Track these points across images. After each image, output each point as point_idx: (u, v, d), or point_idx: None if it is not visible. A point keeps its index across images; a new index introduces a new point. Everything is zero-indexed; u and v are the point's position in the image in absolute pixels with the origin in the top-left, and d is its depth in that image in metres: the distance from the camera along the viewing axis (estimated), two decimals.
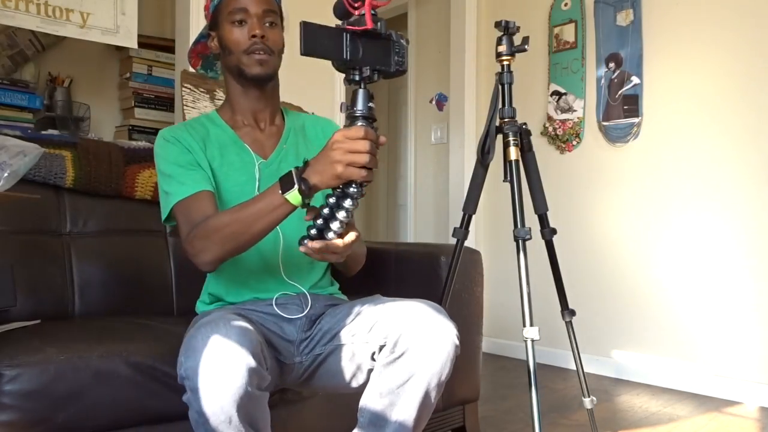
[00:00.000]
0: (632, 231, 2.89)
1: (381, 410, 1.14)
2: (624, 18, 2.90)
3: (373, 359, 1.19)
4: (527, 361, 1.46)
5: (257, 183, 1.35)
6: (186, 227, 1.25)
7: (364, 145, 1.04)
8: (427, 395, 1.13)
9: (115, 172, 1.84)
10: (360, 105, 1.08)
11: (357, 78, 1.08)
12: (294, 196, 1.09)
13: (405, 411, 1.13)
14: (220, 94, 2.68)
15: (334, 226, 1.09)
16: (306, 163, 1.11)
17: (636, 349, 2.86)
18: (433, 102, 3.76)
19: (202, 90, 2.60)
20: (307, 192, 1.08)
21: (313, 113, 1.70)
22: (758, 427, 2.21)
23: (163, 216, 1.31)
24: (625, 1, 2.89)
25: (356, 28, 1.04)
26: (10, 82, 2.98)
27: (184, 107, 2.56)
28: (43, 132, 2.91)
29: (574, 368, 1.76)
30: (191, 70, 2.65)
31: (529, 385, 1.45)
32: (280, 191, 1.10)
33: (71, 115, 3.15)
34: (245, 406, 1.00)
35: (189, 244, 1.22)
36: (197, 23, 2.67)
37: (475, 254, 1.94)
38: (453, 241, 1.70)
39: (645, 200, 2.85)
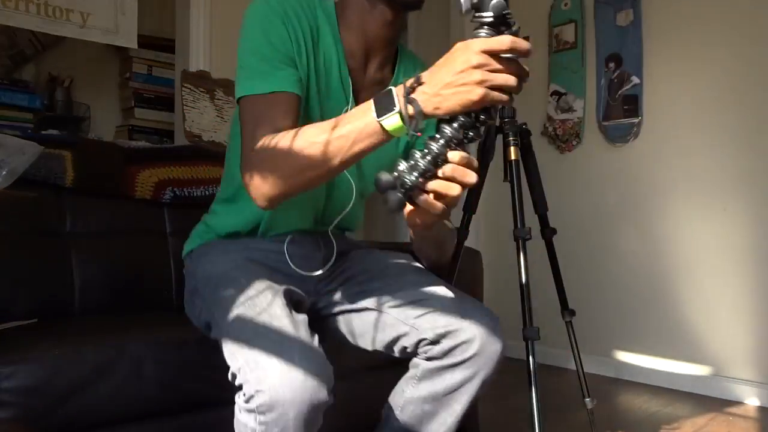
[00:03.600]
0: (632, 231, 2.89)
1: (420, 416, 1.07)
2: (624, 18, 2.90)
3: (417, 347, 1.07)
4: (527, 361, 1.46)
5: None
6: (250, 136, 0.97)
7: (513, 61, 0.82)
8: (471, 402, 1.07)
9: (115, 172, 1.84)
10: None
11: None
12: (393, 122, 0.84)
13: (449, 419, 1.06)
14: (220, 94, 2.68)
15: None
16: (418, 80, 0.85)
17: (636, 349, 2.86)
18: None
19: (202, 90, 2.60)
20: (415, 120, 0.83)
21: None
22: (758, 427, 2.21)
23: (238, 94, 1.03)
24: (625, 1, 2.89)
25: None
26: (10, 82, 2.98)
27: (184, 107, 2.56)
28: (43, 132, 2.91)
29: (574, 368, 1.76)
30: (191, 69, 2.66)
31: (529, 385, 1.45)
32: (374, 114, 0.85)
33: (71, 115, 3.16)
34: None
35: (248, 167, 0.95)
36: (197, 23, 2.67)
37: (475, 254, 1.94)
38: None
39: (644, 200, 2.85)
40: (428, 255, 1.21)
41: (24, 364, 1.11)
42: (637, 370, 2.83)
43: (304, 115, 1.06)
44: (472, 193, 1.68)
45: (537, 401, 1.45)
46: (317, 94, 1.08)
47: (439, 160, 0.84)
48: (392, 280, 1.13)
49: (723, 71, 2.62)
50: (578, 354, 1.75)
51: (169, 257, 1.87)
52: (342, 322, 1.17)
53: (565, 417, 2.26)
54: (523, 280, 1.51)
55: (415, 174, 0.84)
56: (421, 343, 1.06)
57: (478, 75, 0.81)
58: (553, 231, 1.73)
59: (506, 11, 0.85)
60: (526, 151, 1.67)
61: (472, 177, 0.85)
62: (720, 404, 2.47)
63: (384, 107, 0.85)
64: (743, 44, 2.56)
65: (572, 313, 1.75)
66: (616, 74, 2.93)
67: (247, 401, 0.87)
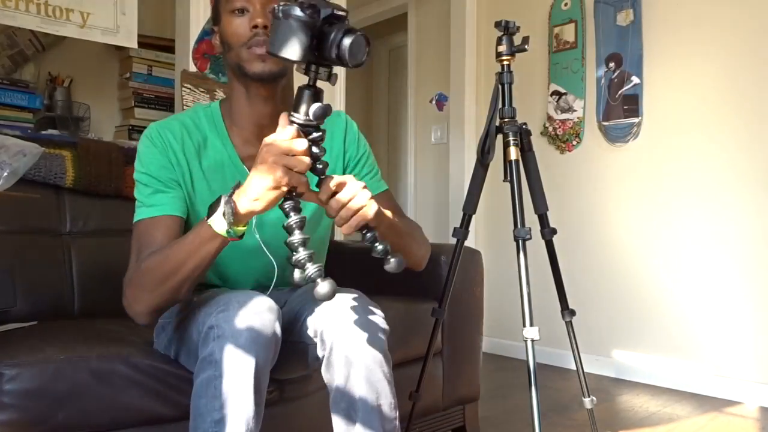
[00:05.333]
0: (632, 231, 2.89)
1: (350, 409, 1.05)
2: (624, 18, 2.90)
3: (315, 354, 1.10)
4: (527, 361, 1.46)
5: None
6: (132, 258, 1.12)
7: (302, 145, 0.91)
8: (371, 384, 1.02)
9: (115, 172, 1.84)
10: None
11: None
12: (218, 222, 0.93)
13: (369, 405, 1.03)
14: (220, 94, 2.68)
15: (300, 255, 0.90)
16: (237, 185, 0.96)
17: (636, 349, 2.86)
18: (433, 102, 3.76)
19: (202, 90, 2.60)
20: (233, 218, 0.92)
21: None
22: (758, 427, 2.21)
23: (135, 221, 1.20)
24: (625, 1, 2.89)
25: None
26: (10, 82, 2.98)
27: (184, 107, 2.55)
28: (43, 132, 2.91)
29: (574, 368, 1.76)
30: (191, 69, 2.66)
31: (529, 385, 1.45)
32: (206, 219, 0.96)
33: (71, 115, 3.15)
34: (264, 365, 0.97)
35: (124, 290, 1.09)
36: (197, 23, 2.66)
37: (475, 254, 1.94)
38: (453, 241, 1.70)
39: (645, 200, 2.85)
40: (407, 248, 1.23)
41: (29, 366, 1.11)
42: (637, 370, 2.83)
43: (202, 212, 1.14)
44: (473, 193, 1.68)
45: (537, 401, 1.45)
46: (209, 191, 1.18)
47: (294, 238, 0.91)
48: (285, 309, 1.20)
49: (723, 71, 2.62)
50: (578, 354, 1.75)
51: None
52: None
53: (565, 417, 2.26)
54: (523, 280, 1.51)
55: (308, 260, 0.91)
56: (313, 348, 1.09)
57: (271, 159, 0.89)
58: (553, 231, 1.73)
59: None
60: (526, 151, 1.67)
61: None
62: (720, 404, 2.48)
63: (213, 211, 0.95)
64: (743, 44, 2.56)
65: (572, 313, 1.75)
66: (616, 74, 2.93)
67: (206, 333, 0.95)
